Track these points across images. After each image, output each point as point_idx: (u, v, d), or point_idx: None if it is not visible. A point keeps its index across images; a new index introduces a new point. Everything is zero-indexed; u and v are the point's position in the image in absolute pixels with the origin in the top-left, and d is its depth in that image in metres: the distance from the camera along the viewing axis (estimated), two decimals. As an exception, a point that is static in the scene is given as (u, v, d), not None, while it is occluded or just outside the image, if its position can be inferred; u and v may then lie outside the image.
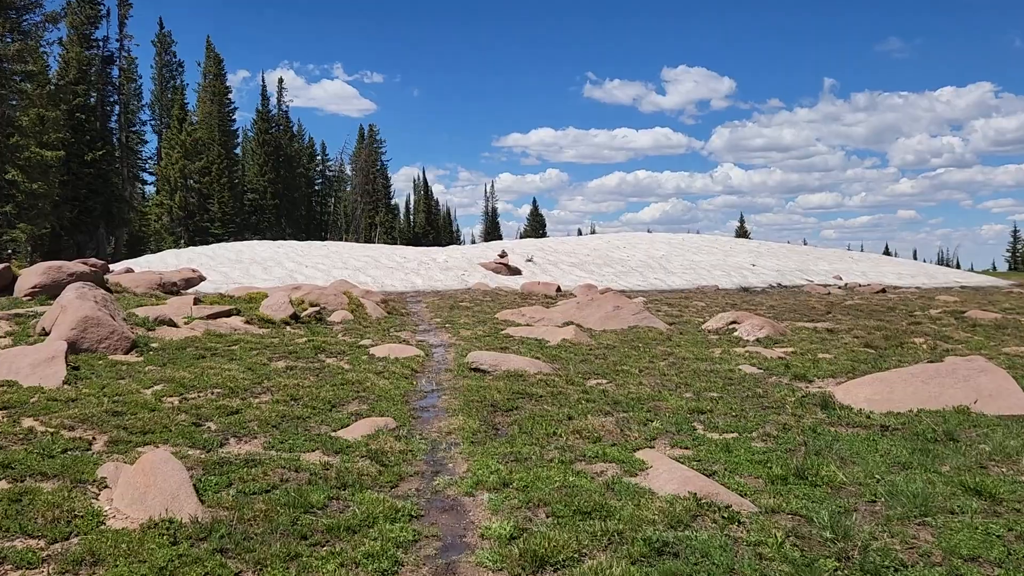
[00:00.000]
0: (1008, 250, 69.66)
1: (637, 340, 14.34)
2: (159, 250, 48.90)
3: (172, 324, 13.09)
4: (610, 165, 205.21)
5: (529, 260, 31.00)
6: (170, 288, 18.78)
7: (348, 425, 7.51)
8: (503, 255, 29.51)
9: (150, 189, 68.18)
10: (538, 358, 11.54)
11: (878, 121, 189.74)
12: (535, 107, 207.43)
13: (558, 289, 23.33)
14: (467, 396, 8.88)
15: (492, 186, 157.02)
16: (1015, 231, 70.14)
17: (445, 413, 8.22)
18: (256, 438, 7.04)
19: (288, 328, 14.44)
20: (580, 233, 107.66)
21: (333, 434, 7.20)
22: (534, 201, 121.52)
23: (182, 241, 59.30)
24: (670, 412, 8.20)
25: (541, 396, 8.90)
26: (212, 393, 8.73)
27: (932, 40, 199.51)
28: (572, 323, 16.31)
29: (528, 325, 15.97)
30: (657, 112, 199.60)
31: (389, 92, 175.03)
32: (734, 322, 15.40)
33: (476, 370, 10.57)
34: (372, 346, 12.64)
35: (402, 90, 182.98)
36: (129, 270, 22.95)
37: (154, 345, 11.47)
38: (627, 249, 35.74)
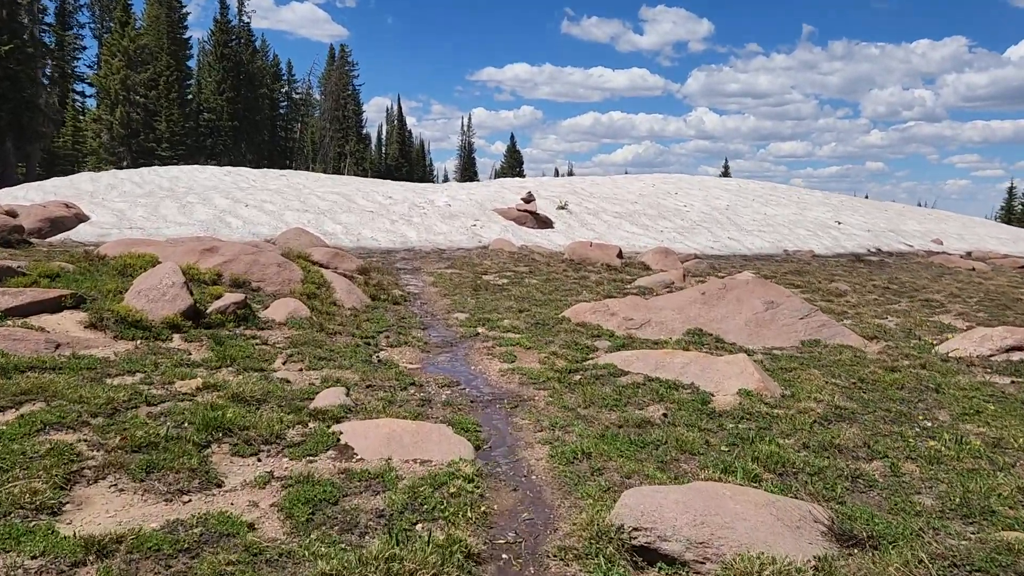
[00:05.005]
0: (1003, 207, 70.25)
1: (862, 385, 7.60)
2: (96, 170, 40.45)
3: None
4: (585, 104, 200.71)
5: (562, 208, 23.67)
6: (10, 236, 11.53)
7: None
8: (529, 199, 22.03)
9: (91, 103, 59.67)
10: (759, 477, 4.75)
11: (853, 71, 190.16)
12: (511, 41, 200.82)
13: (619, 254, 16.39)
14: None
15: (469, 120, 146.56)
16: (1011, 187, 71.16)
17: None
18: None
19: (175, 339, 7.35)
20: (557, 173, 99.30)
21: None
22: (511, 137, 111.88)
23: (125, 163, 51.19)
24: None
25: None
26: None
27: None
28: (702, 331, 9.47)
29: (632, 341, 9.04)
30: (634, 52, 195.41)
31: (362, 17, 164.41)
32: (1016, 348, 8.63)
33: (647, 554, 3.71)
34: (344, 414, 5.66)
35: (376, 16, 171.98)
36: (-26, 202, 15.55)
37: None
38: (680, 196, 28.61)
